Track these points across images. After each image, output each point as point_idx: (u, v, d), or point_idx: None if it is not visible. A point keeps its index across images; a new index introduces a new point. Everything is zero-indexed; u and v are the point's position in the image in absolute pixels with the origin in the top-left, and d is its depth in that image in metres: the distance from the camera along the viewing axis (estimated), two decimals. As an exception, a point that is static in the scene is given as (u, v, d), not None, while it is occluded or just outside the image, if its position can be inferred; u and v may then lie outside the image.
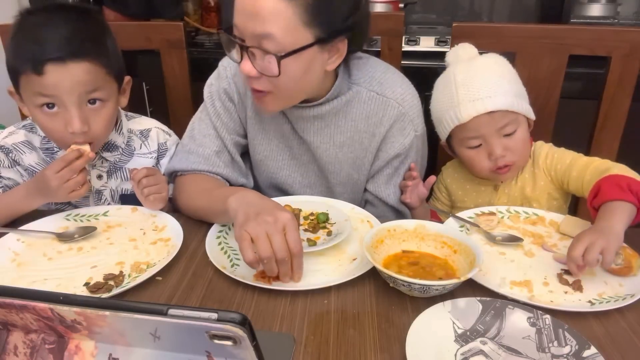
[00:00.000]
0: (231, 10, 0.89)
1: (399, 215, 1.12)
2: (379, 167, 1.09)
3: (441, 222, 1.13)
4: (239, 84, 1.09)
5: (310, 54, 0.89)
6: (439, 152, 1.39)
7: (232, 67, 1.09)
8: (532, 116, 1.09)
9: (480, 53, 1.13)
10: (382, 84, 1.04)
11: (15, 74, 0.94)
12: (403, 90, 1.06)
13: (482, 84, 1.04)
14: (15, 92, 0.98)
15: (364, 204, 1.15)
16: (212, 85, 1.11)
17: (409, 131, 1.06)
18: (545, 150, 1.11)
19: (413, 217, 1.13)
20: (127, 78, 1.07)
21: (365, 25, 0.96)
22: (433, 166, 1.26)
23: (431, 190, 1.19)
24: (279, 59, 0.86)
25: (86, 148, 0.96)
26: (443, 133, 1.12)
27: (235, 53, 0.92)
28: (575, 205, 1.34)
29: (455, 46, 1.14)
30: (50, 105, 0.94)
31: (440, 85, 1.13)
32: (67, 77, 0.92)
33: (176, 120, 1.46)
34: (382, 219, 1.00)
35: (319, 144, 1.08)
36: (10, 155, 1.05)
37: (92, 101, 0.97)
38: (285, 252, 0.76)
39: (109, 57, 0.99)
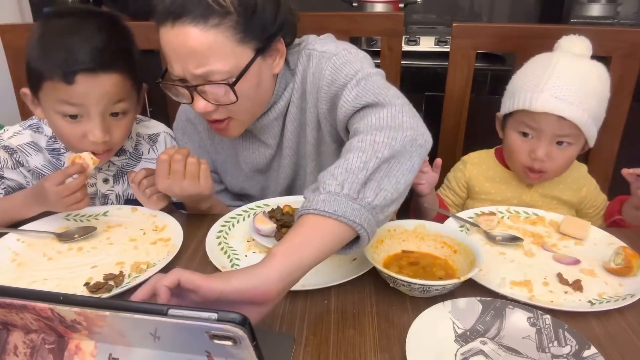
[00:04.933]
0: (164, 57, 0.90)
1: None
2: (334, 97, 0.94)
3: (448, 210, 1.16)
4: (199, 127, 1.14)
5: (256, 67, 0.89)
6: (439, 148, 1.40)
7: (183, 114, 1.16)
8: (592, 143, 1.09)
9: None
10: (310, 55, 0.98)
11: (39, 78, 0.92)
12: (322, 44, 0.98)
13: (574, 88, 1.02)
14: (32, 93, 0.96)
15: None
16: (178, 140, 1.17)
17: (324, 62, 0.94)
18: (593, 185, 1.19)
19: (423, 204, 1.13)
20: (144, 86, 1.06)
21: (292, 17, 0.95)
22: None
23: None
24: (232, 86, 0.87)
25: (89, 161, 0.95)
26: (508, 106, 1.10)
27: (183, 96, 0.93)
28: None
29: (572, 35, 1.10)
30: (74, 116, 0.94)
31: (537, 62, 1.10)
32: (97, 87, 0.91)
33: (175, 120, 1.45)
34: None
35: (293, 139, 1.05)
36: (15, 156, 1.05)
37: (115, 114, 0.97)
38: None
39: (135, 68, 0.98)
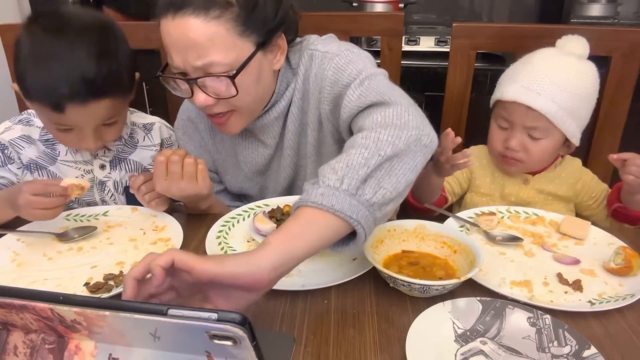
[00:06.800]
0: (164, 49, 0.88)
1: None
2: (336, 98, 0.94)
3: (446, 199, 1.19)
4: (200, 126, 1.13)
5: (256, 61, 0.89)
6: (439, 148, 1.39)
7: (186, 112, 1.15)
8: (574, 140, 1.10)
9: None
10: (312, 55, 0.97)
11: (28, 95, 0.90)
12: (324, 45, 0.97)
13: (545, 79, 1.04)
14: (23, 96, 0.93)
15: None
16: (179, 139, 1.17)
17: (326, 62, 0.94)
18: (589, 176, 1.17)
19: (431, 186, 1.13)
20: (136, 75, 1.01)
21: (293, 14, 0.95)
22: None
23: None
24: (232, 78, 0.86)
25: (86, 184, 0.94)
26: (493, 97, 1.15)
27: (183, 90, 0.92)
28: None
29: (570, 35, 1.10)
30: (67, 129, 0.94)
31: (524, 57, 1.13)
32: (87, 113, 0.91)
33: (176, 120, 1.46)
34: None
35: (294, 139, 1.05)
36: (6, 152, 1.04)
37: (107, 123, 0.97)
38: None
39: (128, 84, 0.96)
